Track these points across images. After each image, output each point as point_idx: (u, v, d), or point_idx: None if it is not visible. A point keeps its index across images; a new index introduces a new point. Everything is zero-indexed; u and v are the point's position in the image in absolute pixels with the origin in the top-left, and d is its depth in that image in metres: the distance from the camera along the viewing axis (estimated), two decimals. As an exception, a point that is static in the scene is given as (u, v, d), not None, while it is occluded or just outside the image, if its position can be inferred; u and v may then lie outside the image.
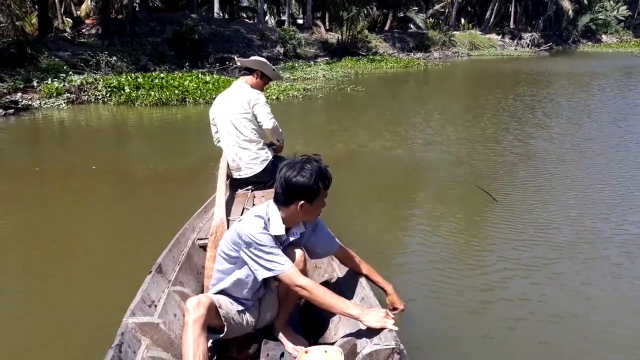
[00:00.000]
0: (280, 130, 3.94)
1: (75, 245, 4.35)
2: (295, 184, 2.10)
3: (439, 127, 9.29)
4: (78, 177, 6.27)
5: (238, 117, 3.71)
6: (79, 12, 23.17)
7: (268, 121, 3.75)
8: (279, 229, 2.16)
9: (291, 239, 2.27)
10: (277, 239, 2.18)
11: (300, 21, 33.21)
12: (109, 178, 6.35)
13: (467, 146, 7.77)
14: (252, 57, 4.00)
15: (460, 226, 4.69)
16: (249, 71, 3.88)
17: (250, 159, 3.77)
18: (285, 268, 2.11)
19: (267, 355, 2.28)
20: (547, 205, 5.16)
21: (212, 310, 2.07)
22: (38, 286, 3.64)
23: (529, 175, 6.29)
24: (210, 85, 12.21)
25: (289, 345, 2.31)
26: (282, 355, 2.27)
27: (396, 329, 1.98)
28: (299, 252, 2.27)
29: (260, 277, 2.16)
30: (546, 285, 3.52)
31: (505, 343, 2.93)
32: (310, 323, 2.57)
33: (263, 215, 2.17)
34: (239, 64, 4.11)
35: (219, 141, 3.96)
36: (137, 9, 22.04)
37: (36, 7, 18.71)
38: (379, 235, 4.55)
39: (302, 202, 2.13)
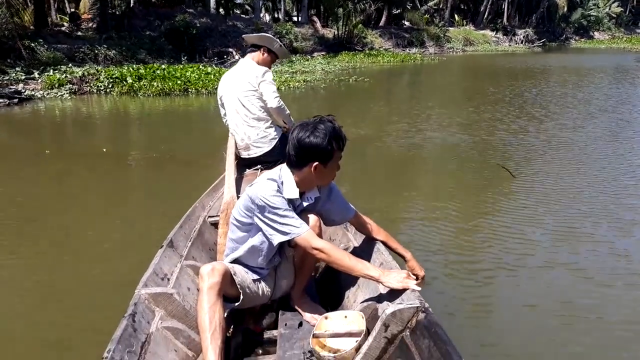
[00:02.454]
0: (288, 112, 3.77)
1: (86, 220, 4.44)
2: (309, 145, 2.00)
3: (450, 113, 9.52)
4: (90, 158, 6.39)
5: (246, 94, 3.58)
6: (72, 9, 23.03)
7: (272, 100, 3.57)
8: (292, 192, 2.07)
9: (305, 204, 2.17)
10: (290, 203, 2.08)
11: (295, 19, 33.20)
12: (120, 159, 6.46)
13: (479, 129, 8.01)
14: (259, 33, 3.93)
15: (479, 201, 4.85)
16: (255, 48, 3.74)
17: (258, 137, 3.64)
18: (301, 231, 2.01)
19: (285, 324, 2.22)
20: (562, 180, 5.38)
21: (227, 277, 2.01)
22: (51, 255, 3.74)
23: (542, 153, 6.54)
24: (212, 76, 12.26)
25: (307, 315, 2.24)
26: (300, 324, 2.21)
27: (419, 289, 1.90)
28: (313, 218, 2.17)
29: (275, 242, 2.06)
30: (569, 265, 3.56)
31: (518, 317, 2.95)
32: (327, 294, 2.50)
33: (276, 178, 2.08)
34: (247, 40, 3.91)
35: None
36: (132, 4, 21.97)
37: (32, 2, 18.58)
38: (400, 215, 4.62)
39: (316, 163, 2.03)
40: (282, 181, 2.08)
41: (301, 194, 2.14)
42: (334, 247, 2.06)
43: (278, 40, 3.87)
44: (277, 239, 2.04)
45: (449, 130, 7.97)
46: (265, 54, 3.72)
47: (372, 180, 5.64)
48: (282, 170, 2.11)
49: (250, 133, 3.64)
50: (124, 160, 6.45)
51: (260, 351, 2.16)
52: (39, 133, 8.31)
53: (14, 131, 8.31)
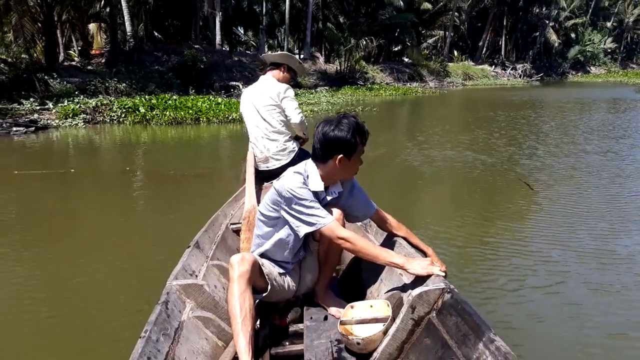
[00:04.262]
0: (306, 124, 3.97)
1: (119, 224, 4.84)
2: (333, 138, 2.09)
3: (464, 137, 9.94)
4: (113, 175, 6.92)
5: (268, 108, 3.71)
6: (79, 47, 23.67)
7: (296, 115, 3.79)
8: (318, 185, 2.14)
9: (329, 198, 2.23)
10: (315, 196, 2.14)
11: (297, 55, 33.96)
12: (143, 176, 6.94)
13: (495, 151, 8.42)
14: (279, 52, 4.14)
15: (497, 213, 5.11)
16: (275, 66, 3.91)
17: (278, 150, 3.78)
18: (327, 221, 2.08)
19: (311, 318, 2.26)
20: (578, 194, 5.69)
21: (256, 267, 2.06)
22: (92, 255, 4.04)
23: (555, 171, 6.88)
24: (222, 106, 12.63)
25: (331, 309, 2.29)
26: (325, 318, 2.25)
27: (443, 274, 1.95)
28: (337, 211, 2.22)
29: (302, 233, 2.12)
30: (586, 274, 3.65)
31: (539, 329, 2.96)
32: (351, 293, 2.51)
33: (302, 172, 2.16)
34: (265, 59, 4.01)
35: None
36: (142, 41, 22.62)
37: (43, 38, 19.13)
38: (417, 227, 4.74)
39: (340, 156, 2.11)
40: (308, 175, 2.16)
41: (325, 188, 2.20)
42: (359, 237, 2.14)
43: (297, 58, 4.07)
44: (303, 229, 2.11)
45: (465, 151, 8.35)
46: (285, 72, 3.89)
47: (390, 196, 5.88)
48: (308, 165, 2.20)
49: (270, 146, 3.77)
50: (145, 176, 6.91)
51: (287, 342, 2.19)
52: (60, 156, 8.67)
53: (35, 154, 8.64)
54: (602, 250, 4.05)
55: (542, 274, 3.64)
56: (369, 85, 26.04)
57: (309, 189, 2.12)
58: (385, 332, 1.91)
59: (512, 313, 3.13)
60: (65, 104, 12.39)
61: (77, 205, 5.59)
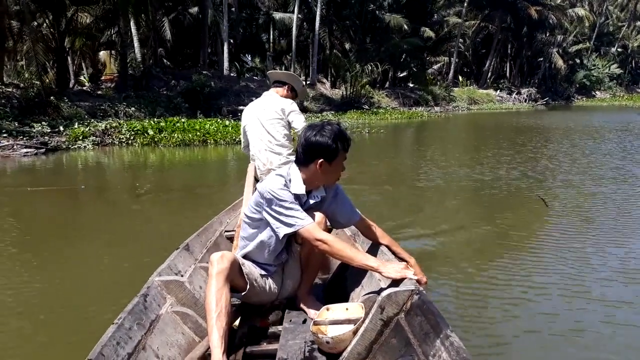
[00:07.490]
0: None
1: (130, 233, 5.21)
2: (315, 143, 2.17)
3: (478, 157, 10.15)
4: (122, 191, 7.31)
5: (272, 122, 3.75)
6: (89, 75, 24.26)
7: (302, 124, 3.72)
8: (299, 188, 2.22)
9: (311, 201, 2.30)
10: (297, 199, 2.22)
11: (303, 81, 34.35)
12: (151, 191, 7.31)
13: (506, 168, 8.71)
14: (285, 71, 4.29)
15: (512, 226, 5.25)
16: (280, 84, 4.00)
17: (280, 162, 3.75)
18: (305, 223, 2.14)
19: (290, 320, 2.31)
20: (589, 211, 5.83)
21: (235, 266, 2.11)
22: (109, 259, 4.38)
23: (567, 188, 7.07)
24: (230, 129, 12.92)
25: (311, 312, 2.32)
26: (304, 321, 2.29)
27: (416, 278, 2.01)
28: (319, 215, 2.28)
29: (281, 234, 2.18)
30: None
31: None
32: (335, 298, 2.53)
33: (284, 175, 2.24)
34: (270, 76, 4.12)
35: (246, 146, 4.01)
36: (150, 66, 23.16)
37: (55, 65, 19.66)
38: (429, 241, 4.85)
39: (321, 160, 2.18)
40: (290, 178, 2.24)
41: (308, 192, 2.28)
42: (337, 239, 2.20)
43: (302, 80, 4.16)
44: (282, 230, 2.17)
45: (476, 168, 8.62)
46: (289, 91, 3.97)
47: (408, 210, 6.06)
48: (291, 168, 2.29)
49: (273, 159, 3.79)
50: (153, 191, 7.27)
51: (264, 343, 2.22)
52: (70, 175, 9.02)
53: (46, 173, 9.02)
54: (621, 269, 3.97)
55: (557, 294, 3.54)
56: (375, 110, 26.29)
57: (290, 192, 2.21)
58: (355, 332, 1.96)
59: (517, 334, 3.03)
60: (76, 126, 12.73)
61: (87, 216, 6.00)
